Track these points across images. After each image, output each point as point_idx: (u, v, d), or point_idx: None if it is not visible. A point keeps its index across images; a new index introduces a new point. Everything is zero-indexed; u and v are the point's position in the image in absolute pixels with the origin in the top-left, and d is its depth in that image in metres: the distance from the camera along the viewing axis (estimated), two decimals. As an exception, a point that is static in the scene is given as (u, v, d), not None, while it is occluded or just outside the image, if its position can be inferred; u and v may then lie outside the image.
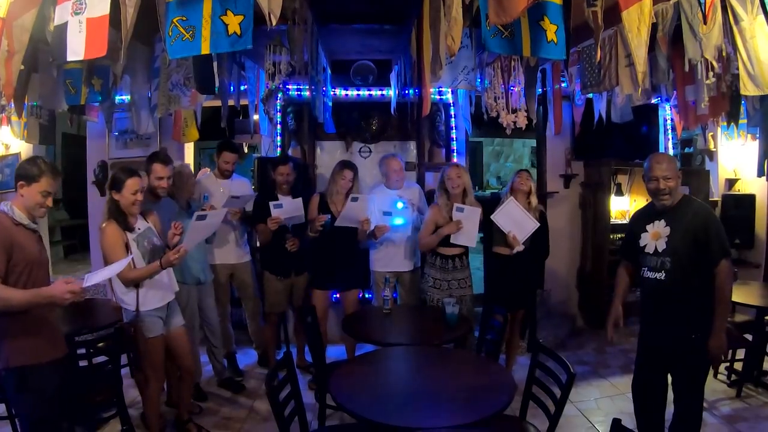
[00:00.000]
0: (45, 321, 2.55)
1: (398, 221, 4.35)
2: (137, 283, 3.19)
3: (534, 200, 4.23)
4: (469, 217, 4.05)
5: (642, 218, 3.10)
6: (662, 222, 2.93)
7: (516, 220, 4.05)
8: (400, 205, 4.37)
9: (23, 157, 5.99)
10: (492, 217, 4.07)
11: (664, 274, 2.89)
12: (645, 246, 2.99)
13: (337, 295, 4.73)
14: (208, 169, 4.84)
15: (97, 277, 2.56)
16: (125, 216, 3.17)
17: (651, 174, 2.91)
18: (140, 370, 3.40)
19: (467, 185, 4.19)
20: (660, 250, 2.91)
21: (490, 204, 4.22)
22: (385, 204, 4.37)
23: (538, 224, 4.07)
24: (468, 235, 4.09)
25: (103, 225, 3.14)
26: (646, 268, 2.99)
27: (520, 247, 4.05)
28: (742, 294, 4.17)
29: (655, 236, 2.94)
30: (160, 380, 3.43)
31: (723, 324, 2.80)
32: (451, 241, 4.09)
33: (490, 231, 4.21)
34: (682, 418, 2.94)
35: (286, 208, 4.21)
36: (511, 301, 4.03)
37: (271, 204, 4.18)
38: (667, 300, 2.90)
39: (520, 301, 4.27)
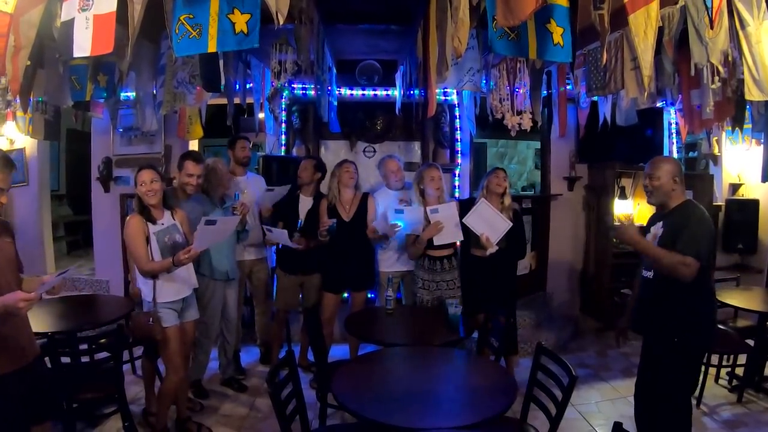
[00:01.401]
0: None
1: (401, 225, 4.34)
2: (154, 275, 3.30)
3: (507, 200, 4.15)
4: (446, 214, 4.04)
5: (651, 220, 3.13)
6: (660, 224, 2.96)
7: (488, 221, 3.99)
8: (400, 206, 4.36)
9: (27, 152, 6.01)
10: (464, 220, 4.01)
11: (651, 273, 2.95)
12: None
13: (346, 295, 4.73)
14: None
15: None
16: (148, 209, 3.32)
17: (645, 171, 2.99)
18: (151, 360, 3.51)
19: (442, 186, 4.23)
20: None
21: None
22: (394, 205, 4.37)
23: (511, 224, 3.99)
24: (450, 232, 4.07)
25: (128, 218, 3.35)
26: (642, 267, 3.05)
27: (493, 249, 3.98)
28: (744, 299, 4.17)
29: (653, 237, 2.97)
30: (177, 372, 3.43)
31: (647, 247, 2.84)
32: (435, 243, 4.06)
33: (467, 233, 4.15)
34: (668, 421, 2.91)
35: (273, 235, 4.32)
36: (490, 303, 3.91)
37: (264, 228, 4.36)
38: (653, 299, 2.94)
39: (500, 302, 4.03)
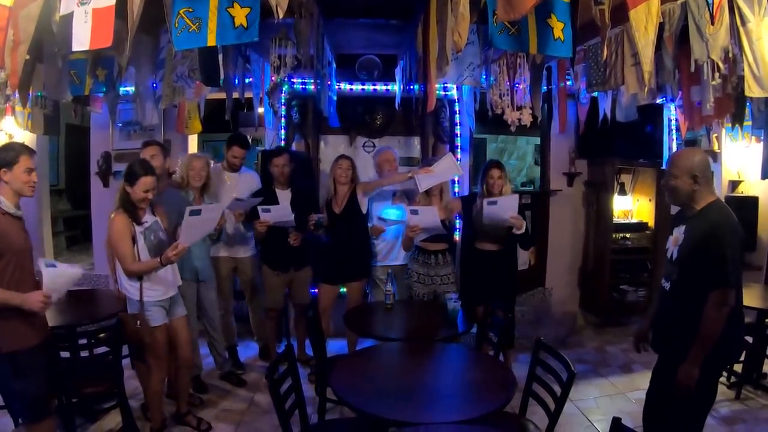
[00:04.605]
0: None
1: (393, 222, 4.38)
2: (140, 276, 3.24)
3: (507, 190, 4.14)
4: (425, 218, 3.98)
5: (674, 219, 2.81)
6: (683, 228, 2.62)
7: (502, 208, 3.94)
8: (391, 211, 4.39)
9: (27, 146, 6.00)
10: (484, 222, 3.98)
11: (669, 285, 2.65)
12: (667, 250, 2.73)
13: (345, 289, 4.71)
14: (213, 160, 4.85)
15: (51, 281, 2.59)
16: (135, 208, 3.24)
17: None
18: (142, 361, 3.43)
19: (446, 183, 4.30)
20: (673, 259, 2.64)
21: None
22: (388, 199, 4.40)
23: (516, 195, 4.02)
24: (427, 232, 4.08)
25: (113, 215, 3.23)
26: (663, 274, 2.75)
27: (522, 227, 3.98)
28: (743, 296, 4.16)
29: (674, 242, 2.65)
30: (162, 370, 3.45)
31: (699, 356, 2.44)
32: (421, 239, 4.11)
33: (469, 228, 4.18)
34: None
35: (274, 213, 4.23)
36: (490, 297, 3.88)
37: (260, 208, 4.20)
38: (668, 314, 2.67)
39: (501, 296, 4.06)
